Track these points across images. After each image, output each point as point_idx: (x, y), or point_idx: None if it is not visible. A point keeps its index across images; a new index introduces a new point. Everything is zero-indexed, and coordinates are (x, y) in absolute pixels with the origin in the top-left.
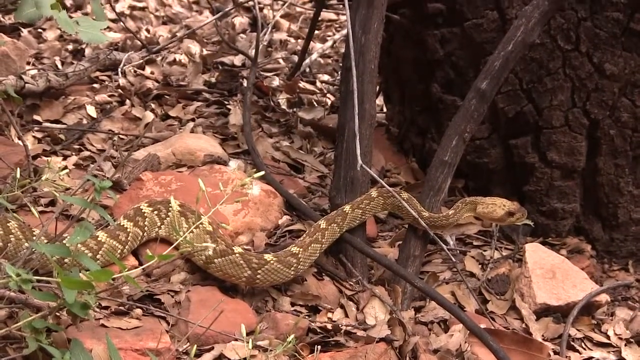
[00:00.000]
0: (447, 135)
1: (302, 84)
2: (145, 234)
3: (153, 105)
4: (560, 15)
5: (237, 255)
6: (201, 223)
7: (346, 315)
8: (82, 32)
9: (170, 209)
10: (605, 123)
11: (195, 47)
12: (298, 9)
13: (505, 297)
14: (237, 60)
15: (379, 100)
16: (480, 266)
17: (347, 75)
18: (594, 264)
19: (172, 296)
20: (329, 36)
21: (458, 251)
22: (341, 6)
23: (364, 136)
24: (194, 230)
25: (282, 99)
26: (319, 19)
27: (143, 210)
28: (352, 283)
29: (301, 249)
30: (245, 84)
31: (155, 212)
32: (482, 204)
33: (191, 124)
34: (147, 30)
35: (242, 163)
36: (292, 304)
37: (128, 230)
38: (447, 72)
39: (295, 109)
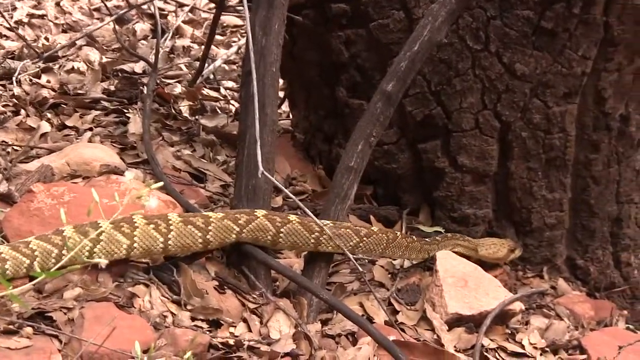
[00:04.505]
0: (353, 140)
1: (205, 91)
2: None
3: (49, 115)
4: (468, 14)
5: None
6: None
7: (249, 330)
8: None
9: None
10: (516, 125)
11: (94, 55)
12: (203, 15)
13: (416, 307)
14: (138, 67)
15: (285, 107)
16: (389, 276)
17: (248, 79)
18: (507, 271)
19: (65, 313)
20: (234, 42)
21: (366, 261)
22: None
23: (266, 142)
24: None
25: (184, 107)
26: (224, 25)
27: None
28: (255, 296)
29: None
30: (145, 92)
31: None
32: (482, 246)
33: (89, 134)
34: (46, 39)
35: (141, 173)
36: (193, 319)
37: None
38: (353, 75)
39: (197, 117)
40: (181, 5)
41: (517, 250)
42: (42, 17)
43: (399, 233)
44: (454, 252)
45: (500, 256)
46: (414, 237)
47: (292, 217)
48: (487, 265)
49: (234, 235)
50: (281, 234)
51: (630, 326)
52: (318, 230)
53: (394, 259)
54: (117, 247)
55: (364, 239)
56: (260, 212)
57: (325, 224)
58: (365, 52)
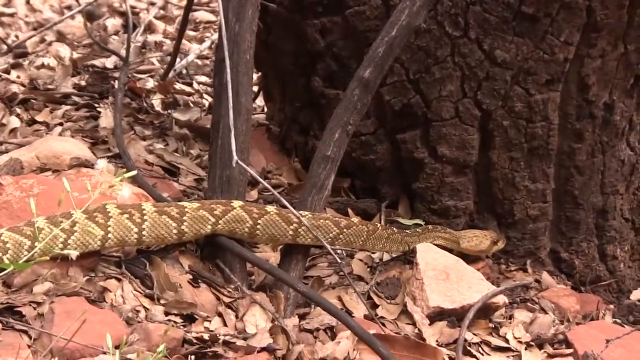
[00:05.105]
0: (329, 129)
1: (178, 86)
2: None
3: (19, 110)
4: None
5: None
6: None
7: (224, 324)
8: None
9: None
10: (497, 114)
11: (65, 51)
12: (175, 12)
13: (396, 301)
14: (109, 62)
15: (259, 101)
16: (368, 269)
17: (221, 67)
18: (489, 265)
19: (35, 308)
20: (207, 37)
21: (345, 254)
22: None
23: (241, 132)
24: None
25: (156, 100)
26: (197, 20)
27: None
28: (230, 290)
29: None
30: (116, 86)
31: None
32: (464, 238)
33: (59, 128)
34: (17, 37)
35: (112, 166)
36: (166, 313)
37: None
38: (329, 64)
39: (170, 111)
40: (152, 3)
41: (500, 242)
42: (11, 15)
43: (379, 225)
44: (435, 244)
45: (482, 248)
46: (394, 228)
47: (270, 209)
48: (470, 258)
49: (209, 227)
50: (258, 226)
51: (617, 320)
52: (297, 222)
53: (374, 252)
54: (92, 237)
55: (344, 230)
56: (236, 203)
57: (304, 214)
58: (341, 40)
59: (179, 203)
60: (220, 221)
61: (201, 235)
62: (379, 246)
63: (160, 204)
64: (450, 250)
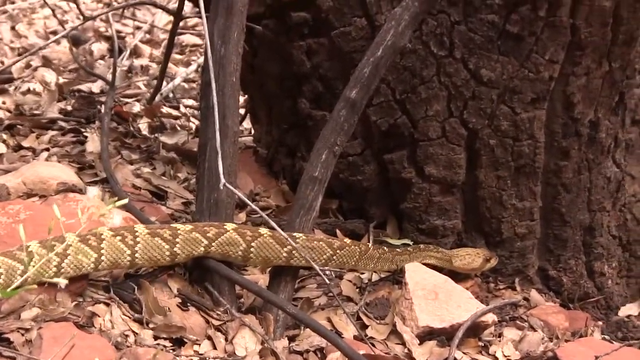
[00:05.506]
0: (316, 150)
1: (165, 109)
2: None
3: (5, 136)
4: (432, 19)
5: None
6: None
7: (214, 347)
8: None
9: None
10: (484, 133)
11: (50, 76)
12: (161, 36)
13: (386, 321)
14: (95, 87)
15: (246, 124)
16: (357, 290)
17: (207, 89)
18: (478, 283)
19: (23, 334)
20: (193, 60)
21: (334, 275)
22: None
23: (228, 154)
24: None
25: (143, 124)
26: (183, 44)
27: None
28: (219, 312)
29: None
30: (103, 111)
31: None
32: (456, 257)
33: (45, 154)
34: (2, 62)
35: (101, 191)
36: (155, 337)
37: None
38: (315, 86)
39: (157, 134)
40: (138, 28)
41: (492, 260)
42: None
43: (370, 245)
44: (425, 264)
45: (475, 266)
46: (385, 248)
47: (263, 231)
48: (459, 277)
49: (202, 248)
50: (252, 248)
51: (606, 336)
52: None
53: (366, 272)
54: (85, 260)
55: (337, 251)
56: (229, 226)
57: (298, 237)
58: (327, 61)
59: (171, 225)
60: (213, 243)
61: (194, 257)
62: (371, 266)
63: (152, 226)
64: (441, 270)
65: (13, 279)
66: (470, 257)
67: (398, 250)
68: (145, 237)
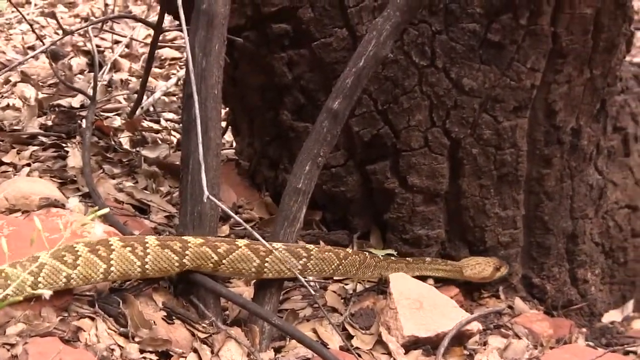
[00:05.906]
0: (299, 161)
1: (145, 123)
2: None
3: None
4: (413, 28)
5: None
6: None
7: None
8: None
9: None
10: (466, 142)
11: (30, 91)
12: (140, 50)
13: (371, 331)
14: (75, 102)
15: (228, 136)
16: (342, 300)
17: (189, 102)
18: (462, 292)
19: (8, 350)
20: (173, 74)
21: (318, 286)
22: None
23: (211, 167)
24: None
25: (124, 138)
26: (163, 57)
27: None
28: (205, 325)
29: None
30: (84, 125)
31: None
32: (467, 266)
33: (27, 169)
34: None
35: (83, 205)
36: (141, 351)
37: None
38: (297, 97)
39: (138, 148)
40: (117, 42)
41: (502, 268)
42: None
43: (367, 253)
44: (436, 277)
45: (485, 275)
46: (379, 256)
47: (278, 245)
48: (442, 286)
49: (211, 265)
50: (266, 263)
51: (590, 343)
52: (306, 255)
53: (364, 280)
54: (94, 271)
55: (343, 261)
56: (241, 242)
57: (312, 248)
58: (308, 72)
59: (182, 237)
60: (224, 261)
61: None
62: (368, 274)
63: (163, 238)
64: (454, 281)
65: (24, 290)
66: (481, 266)
67: (392, 258)
68: (156, 249)
